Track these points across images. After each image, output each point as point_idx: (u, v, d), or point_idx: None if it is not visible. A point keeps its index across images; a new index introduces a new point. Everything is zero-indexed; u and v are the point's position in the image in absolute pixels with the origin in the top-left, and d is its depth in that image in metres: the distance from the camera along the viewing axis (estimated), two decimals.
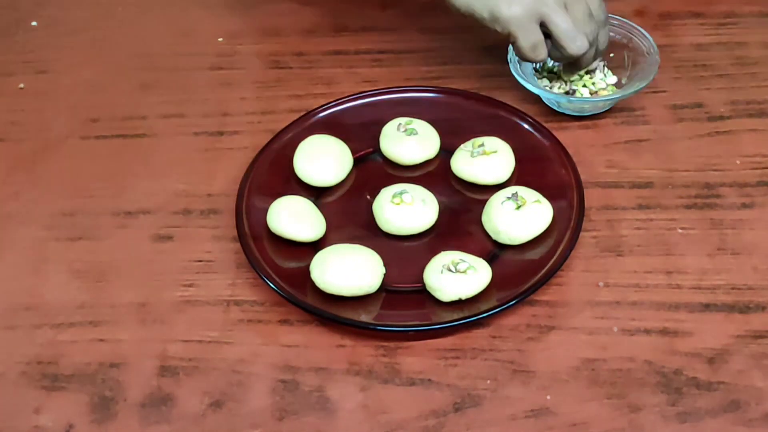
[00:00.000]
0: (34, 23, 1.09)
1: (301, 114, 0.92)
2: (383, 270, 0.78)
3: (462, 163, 0.86)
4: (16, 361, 0.77)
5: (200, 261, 0.83)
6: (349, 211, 0.85)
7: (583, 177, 0.85)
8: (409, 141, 0.88)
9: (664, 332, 0.76)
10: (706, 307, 0.78)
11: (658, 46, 0.93)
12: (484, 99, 0.92)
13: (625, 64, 0.94)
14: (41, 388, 0.76)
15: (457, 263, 0.77)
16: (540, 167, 0.86)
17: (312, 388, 0.74)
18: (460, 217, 0.84)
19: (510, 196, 0.81)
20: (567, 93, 0.92)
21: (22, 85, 1.01)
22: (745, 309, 0.77)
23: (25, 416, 0.74)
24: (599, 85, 0.93)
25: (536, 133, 0.89)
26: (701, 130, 0.91)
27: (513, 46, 0.87)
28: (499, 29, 0.85)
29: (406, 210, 0.82)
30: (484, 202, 0.83)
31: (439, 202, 0.84)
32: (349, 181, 0.88)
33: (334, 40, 1.04)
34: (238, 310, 0.80)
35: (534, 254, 0.80)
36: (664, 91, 0.95)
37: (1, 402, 0.75)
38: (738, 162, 0.88)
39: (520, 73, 0.91)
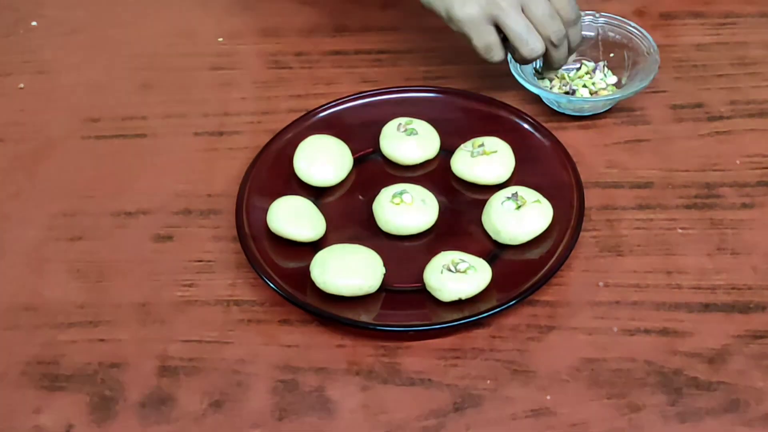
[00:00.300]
0: (34, 23, 1.09)
1: (301, 114, 0.92)
2: (383, 270, 0.78)
3: (462, 163, 0.86)
4: (16, 361, 0.77)
5: (200, 261, 0.83)
6: (349, 211, 0.85)
7: (583, 177, 0.85)
8: (409, 141, 0.88)
9: (664, 332, 0.76)
10: (706, 307, 0.78)
11: (658, 46, 0.93)
12: (484, 99, 0.92)
13: (625, 64, 0.94)
14: (41, 388, 0.76)
15: (457, 263, 0.77)
16: (540, 167, 0.86)
17: (312, 388, 0.74)
18: (460, 217, 0.84)
19: (510, 196, 0.81)
20: (567, 93, 0.92)
21: (22, 85, 1.01)
22: (745, 309, 0.77)
23: (25, 416, 0.74)
24: (599, 85, 0.93)
25: (536, 133, 0.89)
26: (701, 130, 0.91)
27: (470, 46, 0.87)
28: (454, 29, 0.87)
29: (406, 210, 0.82)
30: (484, 202, 0.83)
31: (439, 202, 0.84)
32: (349, 181, 0.88)
33: (334, 40, 1.04)
34: (238, 310, 0.80)
35: (534, 254, 0.80)
36: (664, 91, 0.95)
37: (1, 402, 0.75)
38: (738, 162, 0.88)
39: (520, 73, 0.91)
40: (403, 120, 0.89)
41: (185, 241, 0.85)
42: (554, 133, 0.88)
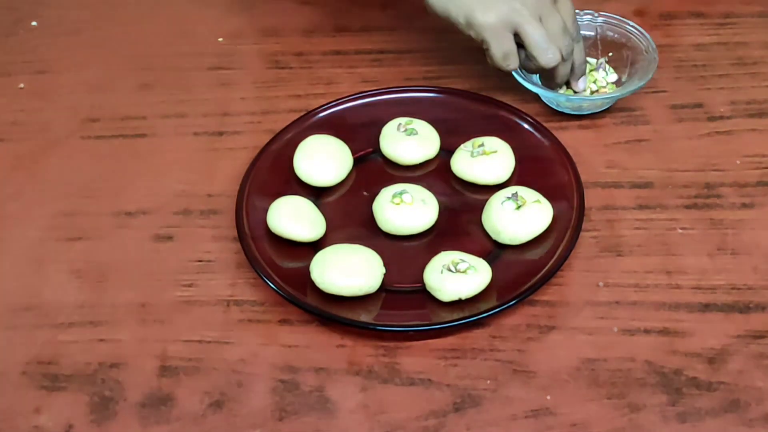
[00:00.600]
0: (34, 23, 1.09)
1: (301, 114, 0.92)
2: (383, 270, 0.78)
3: (462, 163, 0.86)
4: (16, 361, 0.77)
5: (200, 261, 0.83)
6: (349, 211, 0.85)
7: (583, 177, 0.85)
8: (409, 141, 0.88)
9: (664, 332, 0.76)
10: (706, 307, 0.78)
11: (658, 46, 0.93)
12: (484, 99, 0.92)
13: (624, 64, 0.94)
14: (41, 388, 0.76)
15: (457, 263, 0.77)
16: (540, 167, 0.86)
17: (312, 388, 0.74)
18: (460, 217, 0.84)
19: (510, 196, 0.81)
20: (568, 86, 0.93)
21: (22, 85, 1.01)
22: (745, 309, 0.77)
23: (25, 416, 0.74)
24: (600, 83, 0.93)
25: (536, 133, 0.89)
26: (701, 130, 0.92)
27: (486, 53, 0.87)
28: (473, 35, 0.87)
29: (406, 210, 0.82)
30: (484, 202, 0.83)
31: (439, 202, 0.84)
32: (349, 181, 0.88)
33: (334, 40, 1.04)
34: (238, 310, 0.80)
35: (534, 254, 0.80)
36: (664, 91, 0.95)
37: (1, 402, 0.75)
38: (738, 162, 0.88)
39: (521, 73, 0.91)
40: (403, 120, 0.89)
41: (185, 241, 0.85)
42: (554, 133, 0.89)
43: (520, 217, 0.80)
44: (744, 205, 0.85)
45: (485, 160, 0.85)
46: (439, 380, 0.74)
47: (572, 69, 0.90)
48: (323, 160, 0.86)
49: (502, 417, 0.72)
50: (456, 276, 0.76)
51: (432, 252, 0.79)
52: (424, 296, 0.78)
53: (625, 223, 0.84)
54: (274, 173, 0.87)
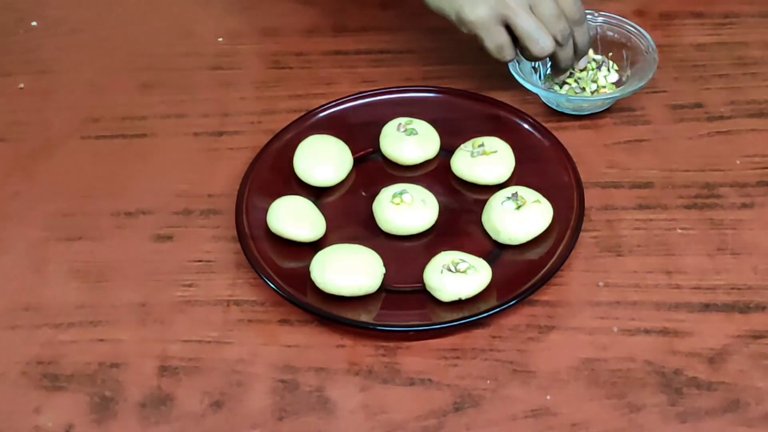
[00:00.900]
0: (34, 23, 1.09)
1: (301, 114, 0.92)
2: (383, 270, 0.78)
3: (462, 163, 0.86)
4: (16, 361, 0.77)
5: (200, 261, 0.83)
6: (349, 211, 0.85)
7: (583, 177, 0.85)
8: (409, 141, 0.88)
9: (664, 332, 0.76)
10: (706, 307, 0.78)
11: (658, 46, 0.93)
12: (484, 99, 0.92)
13: (624, 64, 0.94)
14: (41, 388, 0.76)
15: (457, 263, 0.77)
16: (540, 167, 0.86)
17: (312, 388, 0.74)
18: (460, 217, 0.84)
19: (510, 196, 0.81)
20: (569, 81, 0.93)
21: (22, 85, 1.01)
22: (745, 309, 0.77)
23: (25, 416, 0.74)
24: (600, 82, 0.93)
25: (536, 133, 0.89)
26: (701, 130, 0.92)
27: (481, 47, 0.87)
28: (465, 31, 0.87)
29: (406, 210, 0.82)
30: (484, 202, 0.83)
31: (439, 202, 0.84)
32: (349, 181, 0.88)
33: (334, 40, 1.04)
34: (238, 310, 0.80)
35: (534, 254, 0.80)
36: (664, 91, 0.95)
37: (1, 402, 0.75)
38: (738, 162, 0.88)
39: (520, 73, 0.91)
40: (403, 120, 0.89)
41: (185, 241, 0.85)
42: (554, 133, 0.89)
43: (520, 217, 0.80)
44: (744, 205, 0.85)
45: (485, 160, 0.85)
46: (439, 380, 0.74)
47: (576, 52, 0.90)
48: (323, 160, 0.86)
49: (502, 417, 0.72)
50: (456, 276, 0.76)
51: (432, 252, 0.79)
52: (424, 296, 0.78)
53: (625, 223, 0.84)
54: (274, 173, 0.87)
